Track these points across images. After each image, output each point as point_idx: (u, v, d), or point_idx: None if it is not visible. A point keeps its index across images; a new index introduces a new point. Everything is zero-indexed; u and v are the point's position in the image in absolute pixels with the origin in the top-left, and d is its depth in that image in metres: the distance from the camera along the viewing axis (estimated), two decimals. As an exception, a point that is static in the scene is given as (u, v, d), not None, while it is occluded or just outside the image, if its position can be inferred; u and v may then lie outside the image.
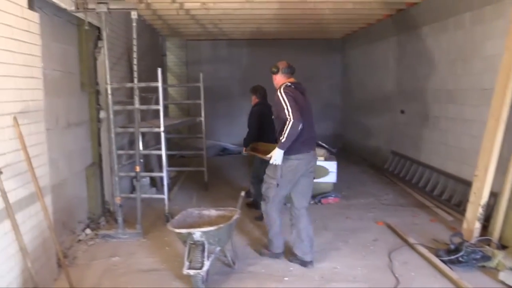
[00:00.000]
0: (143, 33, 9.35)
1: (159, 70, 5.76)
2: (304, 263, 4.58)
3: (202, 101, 7.93)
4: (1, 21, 3.41)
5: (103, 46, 5.31)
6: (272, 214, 4.66)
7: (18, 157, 3.57)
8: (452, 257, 4.44)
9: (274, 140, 4.88)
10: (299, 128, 4.32)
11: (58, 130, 5.06)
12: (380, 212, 6.34)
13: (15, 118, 3.51)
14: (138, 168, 5.41)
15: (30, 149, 3.74)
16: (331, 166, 7.18)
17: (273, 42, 12.55)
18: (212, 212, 4.59)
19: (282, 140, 4.31)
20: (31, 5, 4.01)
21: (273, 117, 4.76)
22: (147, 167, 8.15)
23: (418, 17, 7.69)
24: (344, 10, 8.31)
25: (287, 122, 4.29)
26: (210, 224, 4.45)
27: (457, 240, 4.66)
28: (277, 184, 4.50)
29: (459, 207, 6.05)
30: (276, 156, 4.36)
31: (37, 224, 3.90)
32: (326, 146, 7.50)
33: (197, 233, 3.86)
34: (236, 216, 4.28)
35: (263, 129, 6.28)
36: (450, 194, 6.46)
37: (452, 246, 4.56)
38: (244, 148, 6.39)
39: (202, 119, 7.98)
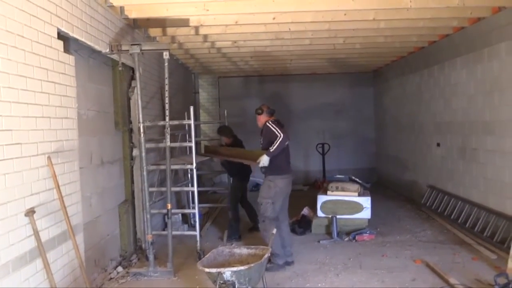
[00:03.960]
0: (176, 71, 9.57)
1: (191, 108, 5.84)
2: (288, 263, 5.56)
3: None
4: (38, 65, 3.54)
5: (136, 85, 5.44)
6: (271, 229, 5.08)
7: (51, 196, 3.64)
8: (497, 299, 4.18)
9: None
10: (286, 144, 5.46)
11: (92, 168, 5.14)
12: (418, 250, 6.09)
13: (49, 158, 3.59)
14: (169, 206, 5.41)
15: (63, 188, 3.81)
16: (365, 201, 7.02)
17: (303, 77, 12.63)
18: (243, 251, 4.50)
19: (271, 150, 5.39)
20: (67, 49, 4.17)
21: (261, 146, 5.74)
22: (178, 204, 8.18)
23: (450, 49, 7.58)
24: (375, 44, 8.29)
25: (277, 138, 5.39)
26: (241, 263, 4.37)
27: (502, 280, 4.39)
28: (272, 202, 5.51)
29: (503, 244, 5.74)
30: (264, 160, 5.41)
31: (69, 263, 3.92)
32: (359, 181, 7.36)
33: (227, 273, 3.78)
34: (267, 255, 4.18)
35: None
36: (493, 230, 6.16)
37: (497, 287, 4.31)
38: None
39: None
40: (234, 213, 7.07)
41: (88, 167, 5.01)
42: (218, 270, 3.79)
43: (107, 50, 5.18)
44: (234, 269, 3.79)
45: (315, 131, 12.81)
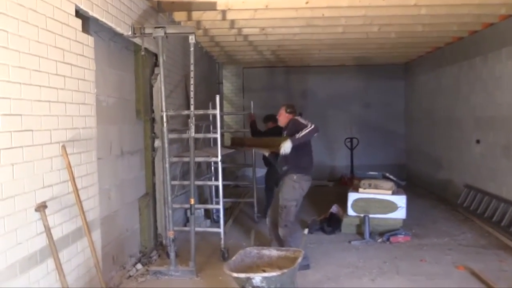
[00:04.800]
0: (200, 61, 9.21)
1: (217, 97, 5.48)
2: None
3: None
4: (53, 44, 3.20)
5: (160, 72, 5.07)
6: (296, 232, 5.07)
7: (65, 189, 3.31)
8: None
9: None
10: (315, 135, 5.09)
11: (111, 159, 4.82)
12: (459, 255, 5.62)
13: (63, 147, 3.26)
14: (192, 201, 5.06)
15: (79, 180, 3.48)
16: (400, 200, 6.56)
17: (330, 69, 12.13)
18: (273, 252, 4.13)
19: (297, 137, 4.98)
20: (85, 29, 3.83)
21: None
22: (201, 198, 7.84)
23: (495, 39, 7.03)
24: (412, 33, 7.78)
25: (307, 127, 5.00)
26: (270, 265, 4.01)
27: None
28: (296, 204, 5.16)
29: (554, 251, 5.25)
30: (286, 146, 4.96)
31: (84, 262, 3.59)
32: (394, 179, 6.89)
33: (257, 278, 3.41)
34: (300, 259, 3.79)
35: None
36: (541, 236, 5.65)
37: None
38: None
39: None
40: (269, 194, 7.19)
41: (107, 158, 4.69)
42: (248, 275, 3.42)
43: (129, 33, 4.83)
44: (265, 275, 3.42)
45: (342, 125, 12.32)
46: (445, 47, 9.09)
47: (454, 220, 7.47)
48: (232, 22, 6.76)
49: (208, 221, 7.23)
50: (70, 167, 3.26)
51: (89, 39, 3.84)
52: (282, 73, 12.42)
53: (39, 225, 2.95)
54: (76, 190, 3.30)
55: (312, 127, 5.02)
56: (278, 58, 10.62)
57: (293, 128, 5.17)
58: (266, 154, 5.87)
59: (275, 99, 12.30)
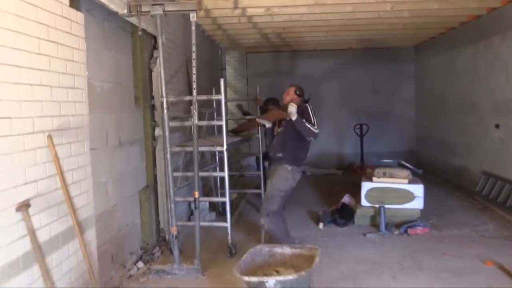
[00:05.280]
0: (202, 45, 8.77)
1: (222, 81, 5.07)
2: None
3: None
4: (34, 19, 2.79)
5: (159, 55, 4.64)
6: (280, 221, 4.99)
7: (52, 185, 2.92)
8: None
9: None
10: (310, 139, 4.88)
11: (107, 150, 4.43)
12: (483, 248, 5.23)
13: (49, 137, 2.86)
14: (197, 194, 4.67)
15: (69, 174, 3.09)
16: (417, 189, 6.18)
17: (337, 53, 11.66)
18: (286, 250, 3.74)
19: (303, 121, 4.76)
20: (74, 3, 3.41)
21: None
22: (204, 188, 7.46)
23: (517, 16, 6.58)
24: (426, 11, 7.31)
25: (313, 128, 4.78)
26: (283, 264, 3.64)
27: None
28: (284, 195, 4.99)
29: None
30: (293, 109, 4.75)
31: (77, 265, 3.22)
32: (410, 167, 6.49)
33: (271, 282, 3.03)
34: (317, 258, 3.40)
35: None
36: None
37: None
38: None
39: (259, 136, 7.03)
40: None
41: (103, 148, 4.30)
42: (261, 279, 3.03)
43: (125, 11, 4.41)
44: (280, 278, 3.03)
45: (350, 111, 11.89)
46: (459, 27, 8.61)
47: (472, 209, 7.07)
48: (236, 0, 6.31)
49: (213, 213, 6.86)
50: (58, 159, 2.87)
51: (78, 16, 3.42)
52: (287, 58, 11.96)
53: (21, 227, 2.56)
54: (64, 185, 2.92)
55: (316, 131, 4.81)
56: (284, 42, 10.16)
57: (302, 114, 4.87)
58: (267, 124, 5.44)
59: (280, 85, 11.79)
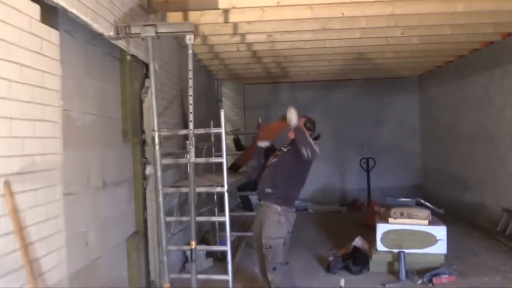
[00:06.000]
0: (198, 75, 8.23)
1: (222, 112, 4.48)
2: None
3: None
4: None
5: (151, 82, 4.05)
6: (289, 273, 4.33)
7: (9, 246, 2.25)
8: None
9: None
10: (308, 158, 4.15)
11: (89, 193, 3.77)
12: (521, 300, 4.57)
13: (6, 183, 2.21)
14: (194, 244, 3.99)
15: (34, 229, 2.43)
16: (440, 232, 5.54)
17: (337, 84, 11.18)
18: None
19: (301, 129, 4.21)
20: (48, 20, 2.82)
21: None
22: (200, 231, 6.76)
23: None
24: (437, 38, 6.84)
25: (314, 144, 4.17)
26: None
27: None
28: (284, 242, 4.24)
29: None
30: (293, 115, 4.20)
31: None
32: (430, 206, 5.86)
33: None
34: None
35: None
36: None
37: None
38: None
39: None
40: None
41: (83, 192, 3.64)
42: None
43: (111, 33, 3.83)
44: None
45: (352, 144, 11.31)
46: (469, 55, 8.16)
47: (497, 251, 6.41)
48: (235, 26, 5.81)
49: (210, 259, 6.15)
50: (15, 212, 2.21)
51: (52, 34, 2.83)
52: (287, 89, 11.44)
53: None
54: (24, 245, 2.25)
55: (316, 148, 4.19)
56: (283, 72, 9.67)
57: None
58: (263, 145, 4.79)
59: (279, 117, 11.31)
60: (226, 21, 5.42)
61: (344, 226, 8.62)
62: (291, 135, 4.47)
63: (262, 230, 4.32)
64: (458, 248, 6.51)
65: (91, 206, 3.82)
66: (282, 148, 4.59)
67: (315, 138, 4.52)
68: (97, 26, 3.58)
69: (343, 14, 5.37)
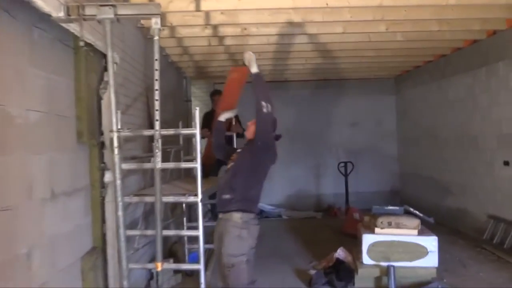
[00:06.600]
0: (166, 73, 7.62)
1: (197, 111, 3.92)
2: None
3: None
4: None
5: (109, 75, 3.43)
6: None
7: None
8: None
9: None
10: (269, 110, 3.71)
11: (32, 207, 3.12)
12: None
13: None
14: (159, 266, 3.39)
15: None
16: (430, 242, 5.11)
17: (311, 84, 10.72)
18: None
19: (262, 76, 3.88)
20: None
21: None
22: (167, 243, 6.14)
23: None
24: (422, 35, 6.46)
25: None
26: None
27: None
28: (248, 259, 3.61)
29: None
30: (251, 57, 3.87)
31: None
32: (420, 214, 5.43)
33: None
34: None
35: None
36: None
37: None
38: None
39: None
40: None
41: (24, 206, 3.00)
42: None
43: (61, 14, 3.19)
44: None
45: (327, 147, 10.89)
46: (451, 54, 7.83)
47: (486, 261, 6.05)
48: (207, 16, 5.23)
49: (179, 275, 5.54)
50: None
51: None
52: (258, 89, 10.90)
53: None
54: None
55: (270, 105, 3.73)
56: (256, 71, 9.11)
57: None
58: (223, 118, 4.33)
59: (249, 118, 10.77)
60: (197, 9, 4.84)
61: (322, 234, 8.16)
62: (249, 134, 3.96)
63: (221, 248, 3.71)
64: (445, 258, 6.09)
65: (35, 221, 3.17)
66: (238, 150, 4.06)
67: (276, 139, 4.01)
68: (41, 4, 2.94)
69: (327, 4, 4.88)
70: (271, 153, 3.86)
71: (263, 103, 3.66)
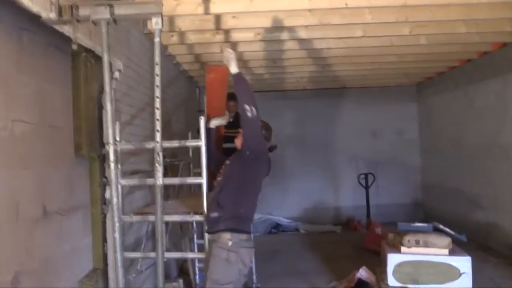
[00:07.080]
0: (177, 81, 7.34)
1: (202, 120, 3.57)
2: None
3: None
4: None
5: (104, 81, 3.10)
6: None
7: None
8: None
9: None
10: (254, 114, 3.24)
11: (19, 227, 2.80)
12: None
13: None
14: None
15: None
16: (463, 263, 4.65)
17: (329, 92, 10.29)
18: None
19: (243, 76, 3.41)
20: None
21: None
22: (178, 260, 5.78)
23: None
24: (448, 37, 6.03)
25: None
26: None
27: None
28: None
29: None
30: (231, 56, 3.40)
31: None
32: (451, 232, 4.97)
33: None
34: None
35: None
36: None
37: None
38: None
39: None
40: None
41: (9, 227, 2.68)
42: None
43: (52, 15, 2.89)
44: None
45: (346, 158, 10.44)
46: (478, 58, 7.37)
47: (523, 282, 5.56)
48: (218, 19, 4.90)
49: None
50: None
51: None
52: (274, 98, 10.48)
53: None
54: None
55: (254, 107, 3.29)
56: (271, 78, 8.78)
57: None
58: (213, 125, 3.96)
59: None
60: (206, 12, 4.50)
61: (341, 250, 7.72)
62: (239, 143, 3.56)
63: (207, 271, 3.30)
64: (476, 277, 5.59)
65: (23, 244, 2.85)
66: (226, 162, 3.66)
67: (270, 150, 3.64)
68: (28, 3, 2.64)
69: (346, 4, 4.50)
70: (263, 163, 3.48)
71: (246, 107, 3.25)
